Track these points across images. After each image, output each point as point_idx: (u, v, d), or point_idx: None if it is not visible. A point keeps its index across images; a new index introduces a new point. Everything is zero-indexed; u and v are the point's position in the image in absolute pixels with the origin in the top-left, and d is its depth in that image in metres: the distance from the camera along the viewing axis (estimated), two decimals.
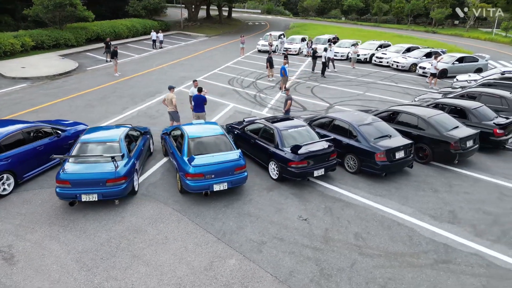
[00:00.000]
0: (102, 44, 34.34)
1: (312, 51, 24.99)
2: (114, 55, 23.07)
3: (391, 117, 12.16)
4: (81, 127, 11.71)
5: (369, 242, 7.56)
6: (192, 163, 8.64)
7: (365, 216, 8.46)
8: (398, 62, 25.76)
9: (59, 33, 31.34)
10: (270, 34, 32.95)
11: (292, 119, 11.23)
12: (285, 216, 8.41)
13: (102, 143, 9.04)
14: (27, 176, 9.60)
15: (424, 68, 23.89)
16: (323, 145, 9.85)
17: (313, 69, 24.82)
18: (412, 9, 62.98)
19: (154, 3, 44.70)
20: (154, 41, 34.42)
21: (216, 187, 8.72)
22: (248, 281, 6.45)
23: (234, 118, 14.94)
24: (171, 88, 12.72)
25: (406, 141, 10.25)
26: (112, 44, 26.84)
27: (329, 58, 25.01)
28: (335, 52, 29.33)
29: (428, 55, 25.80)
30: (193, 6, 53.75)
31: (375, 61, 27.77)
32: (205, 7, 63.16)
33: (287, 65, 19.46)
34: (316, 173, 9.59)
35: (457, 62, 23.61)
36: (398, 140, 10.25)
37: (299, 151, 9.35)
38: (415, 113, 11.54)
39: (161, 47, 34.70)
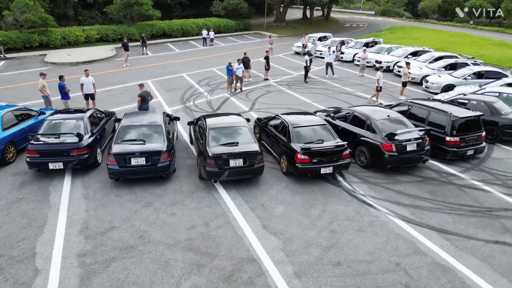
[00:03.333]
0: (164, 40, 38.59)
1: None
2: (125, 48, 25.87)
3: None
4: None
5: None
6: None
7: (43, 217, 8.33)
8: (410, 73, 21.66)
9: (126, 28, 36.22)
10: (304, 35, 31.41)
11: (97, 114, 11.58)
12: None
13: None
14: None
15: (427, 81, 19.70)
16: (68, 139, 9.85)
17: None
18: None
19: (234, 3, 46.92)
20: (204, 39, 36.53)
21: None
22: None
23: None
24: (41, 75, 14.14)
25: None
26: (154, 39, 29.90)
27: (328, 63, 22.90)
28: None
29: (453, 66, 21.02)
30: (282, 6, 54.18)
31: (395, 70, 23.92)
32: (301, 7, 62.89)
33: (235, 65, 18.81)
34: (51, 166, 9.67)
35: (469, 78, 18.66)
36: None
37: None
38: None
39: (211, 45, 36.59)
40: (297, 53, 31.76)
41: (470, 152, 11.18)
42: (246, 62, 21.31)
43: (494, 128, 12.74)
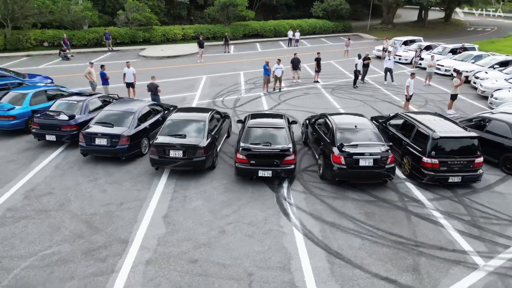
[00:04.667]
0: (255, 39, 40.44)
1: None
2: (200, 45, 28.12)
3: None
4: (38, 79, 17.41)
5: None
6: None
7: None
8: (481, 86, 18.63)
9: (220, 28, 39.01)
10: (386, 39, 29.25)
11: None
12: None
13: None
14: None
15: (492, 96, 16.69)
16: (61, 117, 11.68)
17: (362, 79, 21.69)
18: None
19: (334, 4, 46.02)
20: (290, 39, 36.95)
21: None
22: None
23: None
24: (90, 63, 16.68)
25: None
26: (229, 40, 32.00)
27: (387, 68, 21.25)
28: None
29: None
30: (390, 8, 50.84)
31: (472, 81, 20.68)
32: (417, 8, 57.80)
33: (275, 65, 18.97)
34: (48, 137, 11.68)
35: None
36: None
37: None
38: None
39: (296, 45, 36.83)
40: (377, 57, 29.77)
41: (454, 179, 9.41)
42: (295, 63, 21.15)
43: None
